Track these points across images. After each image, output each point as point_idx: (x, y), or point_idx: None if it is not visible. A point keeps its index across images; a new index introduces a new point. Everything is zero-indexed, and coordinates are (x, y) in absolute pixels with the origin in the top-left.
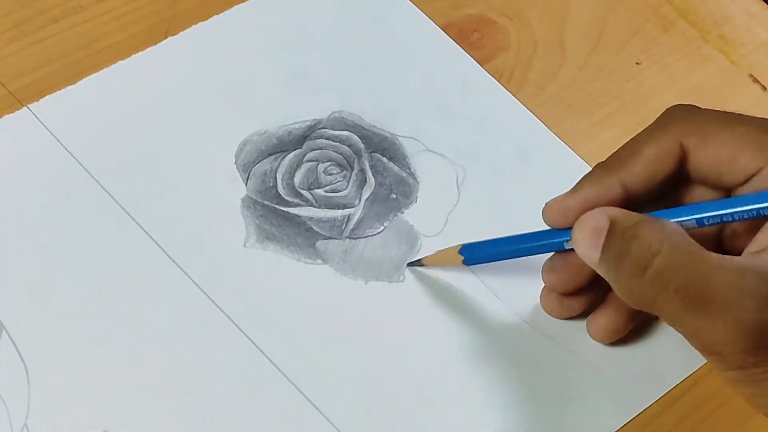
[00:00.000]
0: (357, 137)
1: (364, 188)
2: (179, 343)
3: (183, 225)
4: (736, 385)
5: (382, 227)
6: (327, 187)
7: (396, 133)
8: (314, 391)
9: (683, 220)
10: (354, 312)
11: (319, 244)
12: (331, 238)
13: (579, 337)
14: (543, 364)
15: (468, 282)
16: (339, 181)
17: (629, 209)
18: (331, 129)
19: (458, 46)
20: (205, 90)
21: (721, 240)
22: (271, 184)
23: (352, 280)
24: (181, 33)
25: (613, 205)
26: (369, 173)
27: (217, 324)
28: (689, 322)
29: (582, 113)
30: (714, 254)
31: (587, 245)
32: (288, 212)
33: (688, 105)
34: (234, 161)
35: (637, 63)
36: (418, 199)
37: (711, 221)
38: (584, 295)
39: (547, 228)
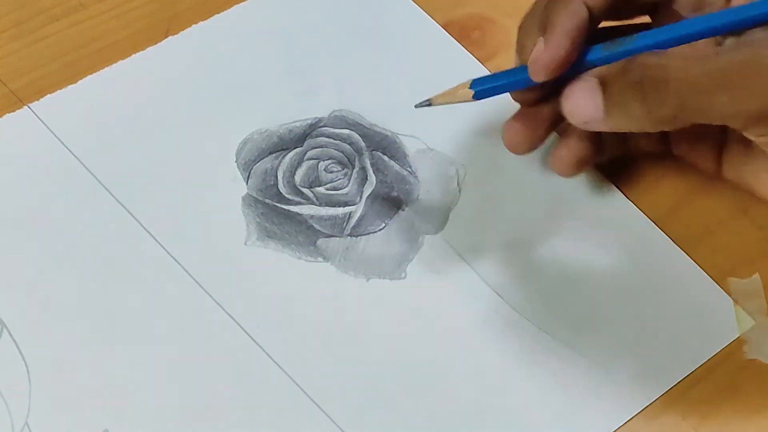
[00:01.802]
0: (358, 135)
1: (365, 186)
2: (180, 342)
3: (184, 223)
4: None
5: (383, 225)
6: (328, 185)
7: (397, 131)
8: (316, 389)
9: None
10: (355, 310)
11: (320, 242)
12: (332, 236)
13: (579, 335)
14: (543, 362)
15: (469, 279)
16: (340, 179)
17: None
18: (331, 127)
19: (459, 45)
20: (206, 89)
21: None
22: (272, 183)
23: (353, 278)
24: (182, 32)
25: (583, 31)
26: (370, 171)
27: (217, 322)
28: (723, 101)
29: None
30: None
31: (586, 108)
32: (289, 210)
33: None
34: (235, 160)
35: None
36: (419, 197)
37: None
38: (541, 122)
39: None
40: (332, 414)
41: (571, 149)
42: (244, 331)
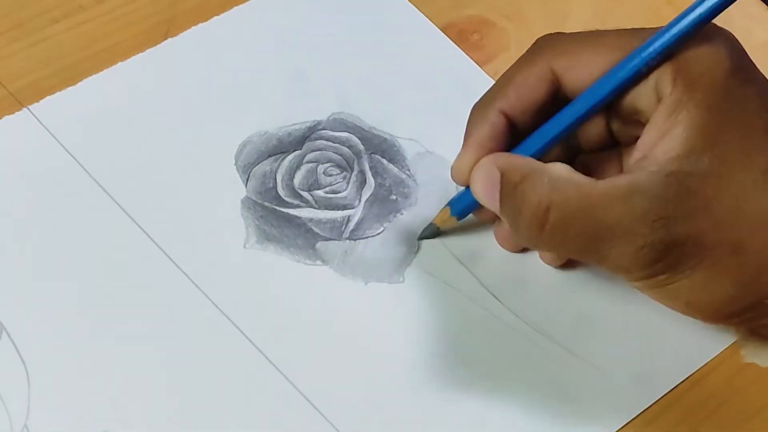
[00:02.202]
0: (357, 138)
1: (364, 189)
2: (179, 344)
3: (183, 226)
4: (643, 291)
5: (381, 228)
6: (327, 188)
7: (396, 134)
8: (314, 392)
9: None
10: (354, 313)
11: (319, 245)
12: (330, 239)
13: (579, 337)
14: (543, 364)
15: (467, 283)
16: (339, 183)
17: (518, 137)
18: (330, 130)
19: (458, 48)
20: (205, 91)
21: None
22: (271, 185)
23: (351, 281)
24: (181, 34)
25: (501, 138)
26: (369, 174)
27: (216, 325)
28: (593, 255)
29: None
30: (600, 184)
31: (486, 196)
32: (288, 213)
33: (556, 32)
34: (234, 162)
35: None
36: (417, 201)
37: (573, 123)
38: None
39: None
40: (330, 417)
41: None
42: (243, 333)
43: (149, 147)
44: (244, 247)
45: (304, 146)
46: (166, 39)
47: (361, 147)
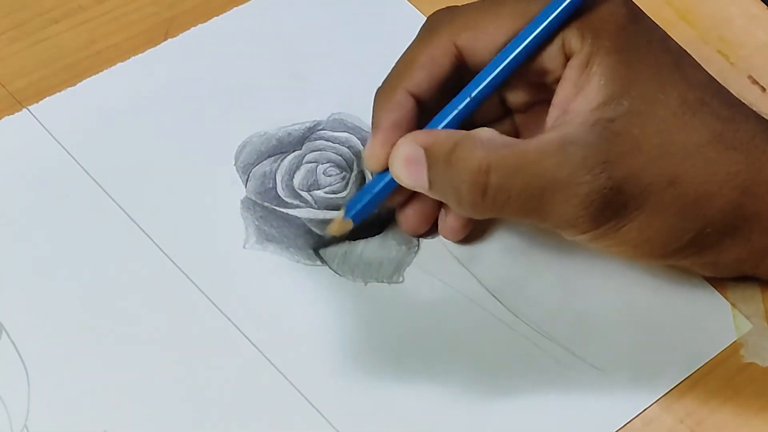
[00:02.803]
0: (356, 139)
1: None
2: (179, 344)
3: (182, 226)
4: (589, 243)
5: (381, 229)
6: (326, 189)
7: None
8: (314, 392)
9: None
10: (353, 313)
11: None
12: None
13: (579, 337)
14: (543, 364)
15: (467, 283)
16: (338, 183)
17: (427, 115)
18: (330, 130)
19: None
20: (205, 91)
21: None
22: (270, 186)
23: (351, 282)
24: (181, 34)
25: (411, 119)
26: (368, 174)
27: (216, 325)
28: (537, 214)
29: None
30: (533, 141)
31: (410, 176)
32: (287, 213)
33: (451, 6)
34: (234, 162)
35: None
36: None
37: (484, 92)
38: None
39: None
40: (330, 417)
41: (456, 217)
42: (243, 333)
43: (149, 147)
44: (244, 247)
45: (303, 146)
46: (165, 39)
47: (361, 147)
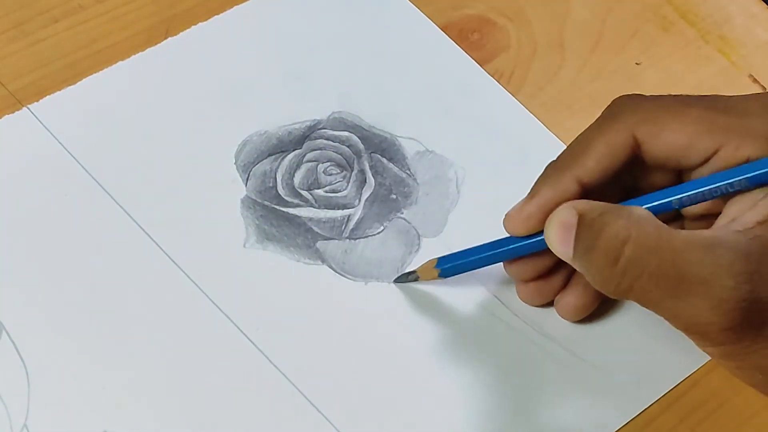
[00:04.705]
0: (357, 138)
1: (364, 189)
2: (179, 344)
3: (183, 225)
4: (719, 360)
5: (381, 228)
6: (327, 188)
7: (396, 133)
8: (314, 392)
9: (652, 205)
10: (354, 312)
11: (319, 244)
12: (330, 238)
13: (579, 338)
14: (543, 364)
15: (468, 283)
16: (339, 182)
17: (587, 196)
18: (330, 129)
19: (458, 47)
20: (205, 90)
21: (683, 226)
22: (270, 185)
23: (352, 281)
24: (181, 33)
25: (566, 201)
26: (369, 174)
27: (216, 324)
28: (668, 306)
29: (581, 114)
30: (683, 232)
31: (560, 241)
32: (288, 213)
33: (636, 94)
34: (234, 161)
35: (636, 63)
36: (417, 200)
37: (676, 205)
38: (554, 277)
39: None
40: (330, 417)
41: (577, 297)
42: (243, 333)
43: (149, 146)
44: (244, 246)
45: (304, 145)
46: (166, 38)
47: (361, 146)
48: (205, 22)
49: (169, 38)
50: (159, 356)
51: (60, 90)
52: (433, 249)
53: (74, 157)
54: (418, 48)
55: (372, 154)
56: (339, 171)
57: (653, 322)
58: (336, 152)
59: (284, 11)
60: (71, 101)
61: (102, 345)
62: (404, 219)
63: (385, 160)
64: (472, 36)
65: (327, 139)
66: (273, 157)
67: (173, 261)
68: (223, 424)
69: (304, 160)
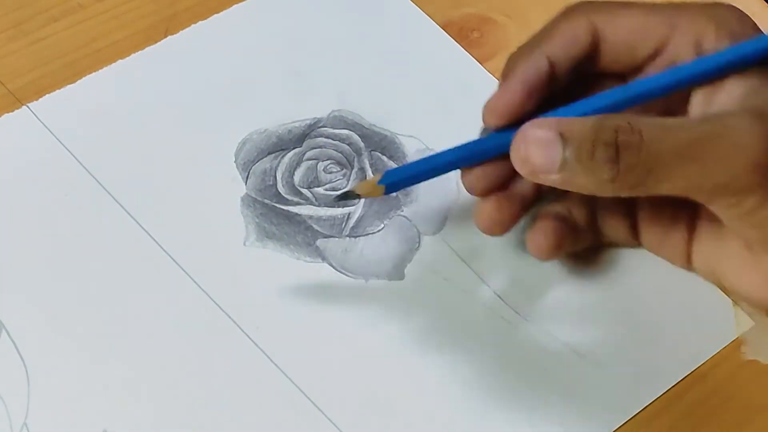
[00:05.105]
0: (357, 136)
1: None
2: (179, 343)
3: (183, 224)
4: (741, 222)
5: (382, 225)
6: (327, 186)
7: (396, 131)
8: (314, 390)
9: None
10: (354, 310)
11: (319, 242)
12: (331, 236)
13: (578, 336)
14: (543, 362)
15: (468, 280)
16: (339, 180)
17: (552, 94)
18: (330, 127)
19: (458, 45)
20: (205, 89)
21: None
22: (270, 183)
23: (352, 279)
24: (181, 32)
25: (543, 85)
26: (369, 172)
27: (216, 323)
28: (691, 175)
29: None
30: (679, 118)
31: (543, 156)
32: (288, 211)
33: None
34: (234, 160)
35: None
36: (418, 198)
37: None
38: (510, 200)
39: (464, 143)
40: (331, 415)
41: (546, 235)
42: (243, 331)
43: (149, 145)
44: (244, 244)
45: (304, 144)
46: (165, 37)
47: (362, 144)
48: (204, 21)
49: (169, 37)
50: (159, 355)
51: (60, 89)
52: (434, 246)
53: (74, 156)
54: (418, 46)
55: (372, 153)
56: (339, 169)
57: (654, 320)
58: (336, 150)
59: (284, 10)
60: (71, 100)
61: (102, 344)
62: (404, 217)
63: (385, 158)
64: (472, 34)
65: (327, 137)
66: (273, 155)
67: (173, 259)
68: (223, 423)
69: (304, 158)
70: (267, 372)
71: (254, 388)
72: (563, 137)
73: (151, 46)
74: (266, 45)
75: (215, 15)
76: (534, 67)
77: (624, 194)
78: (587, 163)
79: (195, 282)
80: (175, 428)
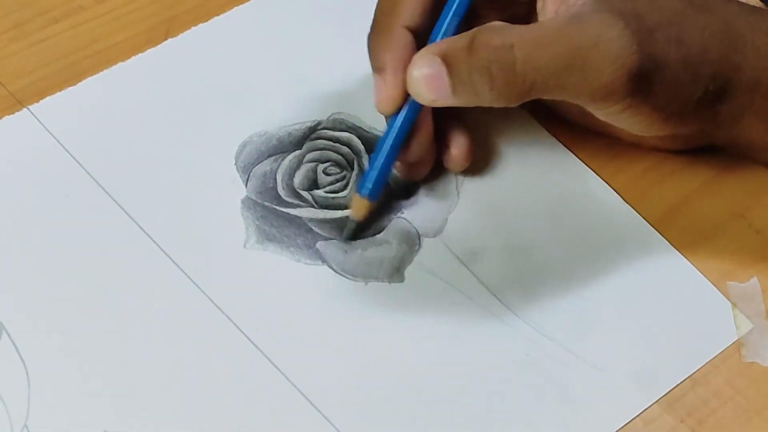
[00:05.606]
0: (357, 138)
1: None
2: (179, 344)
3: (183, 226)
4: (621, 116)
5: (382, 228)
6: (327, 188)
7: None
8: (314, 392)
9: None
10: (354, 313)
11: (319, 244)
12: (331, 239)
13: (577, 339)
14: (543, 364)
15: (467, 282)
16: (339, 182)
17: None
18: (330, 130)
19: None
20: (205, 91)
21: None
22: (271, 185)
23: (352, 281)
24: (182, 34)
25: (413, 53)
26: None
27: (216, 325)
28: (572, 82)
29: None
30: (545, 21)
31: (433, 89)
32: (288, 213)
33: None
34: (234, 162)
35: None
36: (417, 200)
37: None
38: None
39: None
40: (331, 417)
41: (458, 148)
42: (243, 333)
43: (149, 147)
44: (245, 246)
45: (304, 146)
46: (166, 39)
47: (361, 147)
48: (205, 23)
49: (170, 39)
50: (159, 356)
51: (60, 90)
52: (434, 249)
53: (74, 158)
54: None
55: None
56: (339, 171)
57: (653, 322)
58: (336, 153)
59: (284, 12)
60: (71, 102)
61: (102, 345)
62: (405, 219)
63: None
64: None
65: (327, 139)
66: (273, 157)
67: (174, 261)
68: (223, 424)
69: (304, 160)
70: (267, 373)
71: (254, 389)
72: (446, 63)
73: (152, 48)
74: (266, 47)
75: (216, 17)
76: (397, 45)
77: (513, 105)
78: (470, 86)
79: (195, 284)
80: (174, 428)
